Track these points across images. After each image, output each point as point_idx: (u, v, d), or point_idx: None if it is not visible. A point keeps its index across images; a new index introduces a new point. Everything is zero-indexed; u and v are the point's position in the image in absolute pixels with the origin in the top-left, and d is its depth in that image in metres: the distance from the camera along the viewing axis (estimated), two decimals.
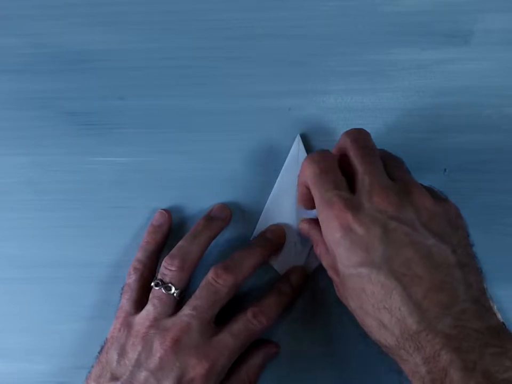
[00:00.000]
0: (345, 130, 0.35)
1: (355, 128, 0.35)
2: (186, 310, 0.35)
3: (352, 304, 0.32)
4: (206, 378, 0.33)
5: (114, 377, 0.34)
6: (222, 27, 0.41)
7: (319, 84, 0.41)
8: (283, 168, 0.40)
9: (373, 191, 0.31)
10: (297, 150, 0.40)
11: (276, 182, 0.40)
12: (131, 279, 0.37)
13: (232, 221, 0.40)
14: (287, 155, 0.40)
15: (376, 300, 0.30)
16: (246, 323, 0.35)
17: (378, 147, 0.40)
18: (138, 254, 0.38)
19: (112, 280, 0.39)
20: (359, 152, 0.33)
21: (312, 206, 0.35)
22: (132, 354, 0.34)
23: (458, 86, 0.40)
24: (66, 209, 0.41)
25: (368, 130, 0.40)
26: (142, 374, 0.33)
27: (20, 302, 0.40)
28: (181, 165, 0.40)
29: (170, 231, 0.40)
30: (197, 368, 0.33)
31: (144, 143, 0.41)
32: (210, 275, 0.35)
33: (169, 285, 0.35)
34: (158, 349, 0.33)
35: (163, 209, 0.40)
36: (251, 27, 0.41)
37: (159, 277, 0.36)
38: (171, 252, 0.37)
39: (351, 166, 0.33)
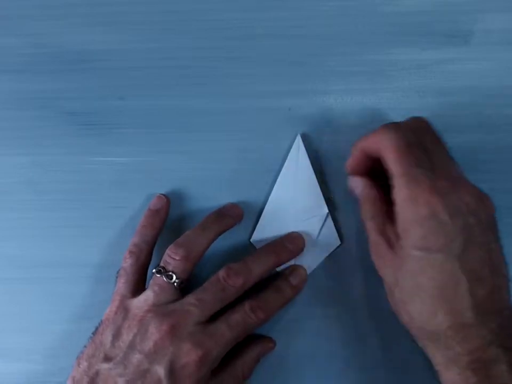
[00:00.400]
0: (409, 118, 0.35)
1: (421, 118, 0.35)
2: (190, 299, 0.35)
3: (404, 282, 0.32)
4: (198, 365, 0.33)
5: (108, 358, 0.34)
6: (222, 27, 0.41)
7: (319, 83, 0.41)
8: (283, 168, 0.40)
9: (460, 181, 0.32)
10: (297, 150, 0.40)
11: (276, 182, 0.40)
12: (127, 263, 0.37)
13: None
14: (287, 155, 0.40)
15: (435, 286, 0.30)
16: (244, 316, 0.35)
17: None
18: (134, 238, 0.38)
19: (112, 280, 0.39)
20: (438, 144, 0.34)
21: (360, 173, 0.36)
22: (127, 336, 0.34)
23: (458, 86, 0.40)
24: (66, 209, 0.41)
25: (368, 131, 0.40)
26: (135, 356, 0.33)
27: (20, 302, 0.40)
28: (181, 165, 0.40)
29: (168, 216, 0.40)
30: (190, 355, 0.33)
31: (144, 143, 0.41)
32: (221, 273, 0.35)
33: (171, 273, 0.35)
34: (154, 333, 0.33)
35: (161, 194, 0.40)
36: (251, 27, 0.41)
37: (161, 264, 0.36)
38: (177, 240, 0.37)
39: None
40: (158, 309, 0.34)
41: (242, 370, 0.37)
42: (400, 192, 0.32)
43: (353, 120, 0.40)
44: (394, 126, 0.33)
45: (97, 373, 0.34)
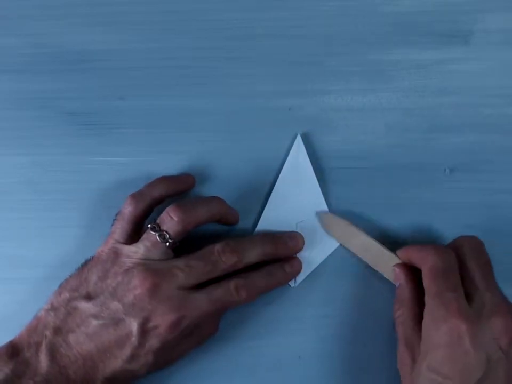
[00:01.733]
0: (463, 237, 0.36)
1: (475, 238, 0.35)
2: (180, 263, 0.35)
3: None
4: (169, 330, 0.33)
5: (89, 297, 0.34)
6: (222, 27, 0.41)
7: (319, 83, 0.41)
8: (283, 168, 0.40)
9: (495, 313, 0.31)
10: (297, 150, 0.40)
11: (276, 182, 0.40)
12: (126, 209, 0.37)
13: None
14: (287, 155, 0.40)
15: None
16: (227, 292, 0.35)
17: (378, 147, 0.40)
18: (143, 188, 0.38)
19: None
20: (483, 268, 0.34)
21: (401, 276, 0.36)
22: (111, 281, 0.34)
23: (458, 86, 0.40)
24: (66, 209, 0.41)
25: (368, 130, 0.41)
26: (114, 304, 0.34)
27: (20, 302, 0.40)
28: (181, 165, 0.40)
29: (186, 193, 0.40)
30: (164, 318, 0.33)
31: (144, 143, 0.41)
32: (218, 247, 0.35)
33: (165, 233, 0.35)
34: (137, 287, 0.34)
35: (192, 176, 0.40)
36: (251, 27, 0.41)
37: (157, 221, 0.36)
38: (179, 202, 0.36)
39: (465, 272, 0.34)
40: (146, 264, 0.34)
41: (208, 327, 0.37)
42: (429, 312, 0.32)
43: (353, 120, 0.40)
44: (442, 250, 0.34)
45: (75, 309, 0.34)
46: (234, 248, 0.36)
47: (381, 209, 0.40)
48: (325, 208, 0.39)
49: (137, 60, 0.41)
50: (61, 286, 0.36)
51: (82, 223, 0.40)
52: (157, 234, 0.35)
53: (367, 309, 0.39)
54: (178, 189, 0.39)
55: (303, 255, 0.39)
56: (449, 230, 0.39)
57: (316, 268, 0.39)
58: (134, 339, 0.33)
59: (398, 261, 0.37)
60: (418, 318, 0.34)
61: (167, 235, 0.35)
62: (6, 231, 0.41)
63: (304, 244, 0.39)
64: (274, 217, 0.39)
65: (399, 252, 0.37)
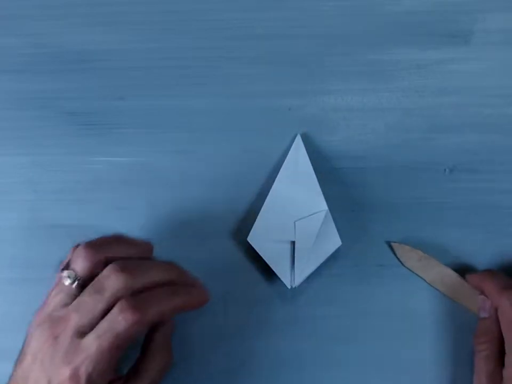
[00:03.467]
0: (503, 291, 0.35)
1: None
2: (74, 303, 0.31)
3: None
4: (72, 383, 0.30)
5: (20, 360, 0.32)
6: (222, 27, 0.41)
7: (319, 84, 0.41)
8: (282, 168, 0.40)
9: None
10: (297, 150, 0.40)
11: (275, 182, 0.39)
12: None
13: (231, 221, 0.40)
14: (287, 155, 0.40)
15: None
16: (112, 321, 0.30)
17: (378, 147, 0.40)
18: (98, 246, 0.33)
19: None
20: None
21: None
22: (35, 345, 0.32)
23: (458, 86, 0.40)
24: (66, 209, 0.41)
25: (368, 130, 0.40)
26: (32, 367, 0.31)
27: (20, 302, 0.40)
28: (181, 165, 0.40)
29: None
30: (61, 374, 0.30)
31: (144, 143, 0.41)
32: (116, 309, 0.30)
33: (72, 271, 0.32)
34: (42, 345, 0.31)
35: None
36: (251, 27, 0.41)
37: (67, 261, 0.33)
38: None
39: None
40: (50, 316, 0.32)
41: (161, 354, 0.34)
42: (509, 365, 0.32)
43: (353, 120, 0.40)
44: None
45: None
46: (133, 307, 0.30)
47: (380, 209, 0.40)
48: (325, 208, 0.39)
49: (137, 60, 0.41)
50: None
51: (82, 223, 0.40)
52: (64, 275, 0.32)
53: (367, 309, 0.39)
54: (135, 254, 0.34)
55: (304, 256, 0.39)
56: (450, 231, 0.39)
57: (316, 268, 0.39)
58: None
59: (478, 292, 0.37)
60: (501, 353, 0.34)
61: (75, 274, 0.32)
62: (6, 231, 0.41)
63: (208, 300, 0.33)
64: (272, 216, 0.39)
65: (468, 278, 0.37)
